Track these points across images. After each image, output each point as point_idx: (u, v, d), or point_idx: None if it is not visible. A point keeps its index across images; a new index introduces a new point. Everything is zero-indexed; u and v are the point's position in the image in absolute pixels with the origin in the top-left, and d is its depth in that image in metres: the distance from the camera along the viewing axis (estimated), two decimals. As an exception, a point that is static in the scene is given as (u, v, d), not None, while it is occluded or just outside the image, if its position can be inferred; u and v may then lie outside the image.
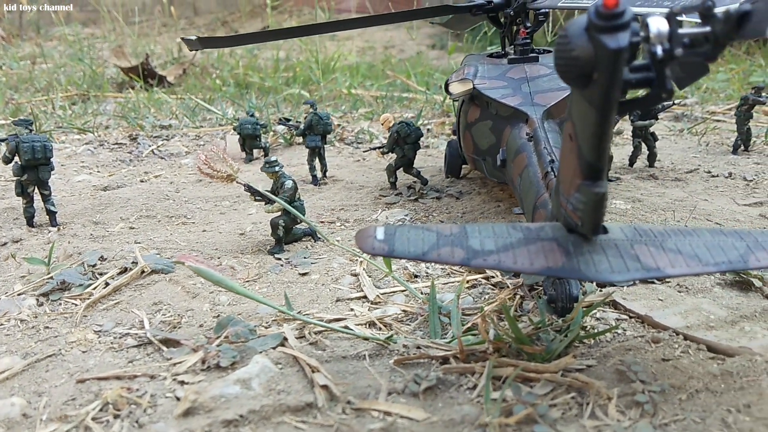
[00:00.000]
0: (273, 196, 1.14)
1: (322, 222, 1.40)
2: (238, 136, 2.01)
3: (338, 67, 3.89)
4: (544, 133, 1.14)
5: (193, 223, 1.40)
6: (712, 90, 3.24)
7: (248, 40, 1.39)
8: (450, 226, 0.73)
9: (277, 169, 1.17)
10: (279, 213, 1.17)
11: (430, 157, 1.99)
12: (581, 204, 0.69)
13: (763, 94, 1.93)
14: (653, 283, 1.01)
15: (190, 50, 1.33)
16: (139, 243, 1.25)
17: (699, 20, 0.61)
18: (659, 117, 1.72)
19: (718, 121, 2.51)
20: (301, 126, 1.71)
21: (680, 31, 0.60)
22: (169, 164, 1.96)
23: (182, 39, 1.33)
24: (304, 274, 1.10)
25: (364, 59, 4.44)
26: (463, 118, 1.44)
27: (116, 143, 2.17)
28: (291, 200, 1.17)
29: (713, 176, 1.68)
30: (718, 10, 0.59)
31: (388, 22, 1.37)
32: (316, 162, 1.74)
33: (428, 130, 2.42)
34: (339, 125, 2.48)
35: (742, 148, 1.98)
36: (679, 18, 0.60)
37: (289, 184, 1.17)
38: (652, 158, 1.78)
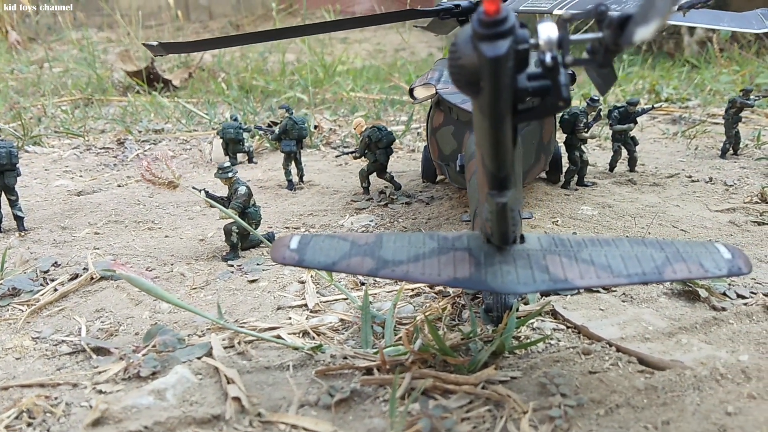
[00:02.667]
0: (217, 204, 1.13)
1: (287, 228, 1.39)
2: (221, 141, 2.01)
3: (343, 71, 3.89)
4: (498, 139, 1.13)
5: (160, 228, 1.41)
6: (716, 92, 3.19)
7: (212, 44, 1.39)
8: (368, 235, 0.73)
9: (230, 174, 1.17)
10: (231, 219, 1.17)
11: (414, 161, 1.98)
12: (489, 214, 0.68)
13: (752, 96, 1.89)
14: (598, 292, 0.99)
15: (155, 56, 1.34)
16: (98, 249, 1.26)
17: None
18: (638, 121, 1.69)
19: (717, 123, 2.47)
20: (276, 131, 1.71)
21: (571, 37, 0.59)
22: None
23: (144, 44, 1.33)
24: (252, 281, 1.10)
25: (375, 61, 4.42)
26: (429, 124, 1.43)
27: (103, 147, 2.18)
28: (245, 206, 1.17)
29: (693, 181, 1.65)
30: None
31: (355, 27, 1.36)
32: (293, 167, 1.73)
33: (418, 133, 2.40)
34: (330, 129, 2.48)
35: (731, 152, 1.94)
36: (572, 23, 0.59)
37: (242, 190, 1.16)
38: (632, 163, 1.74)
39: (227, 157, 2.02)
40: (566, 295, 0.98)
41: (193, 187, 1.23)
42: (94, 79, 3.69)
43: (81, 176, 1.87)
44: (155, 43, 1.28)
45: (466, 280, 0.67)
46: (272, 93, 3.41)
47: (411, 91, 1.38)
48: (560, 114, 1.62)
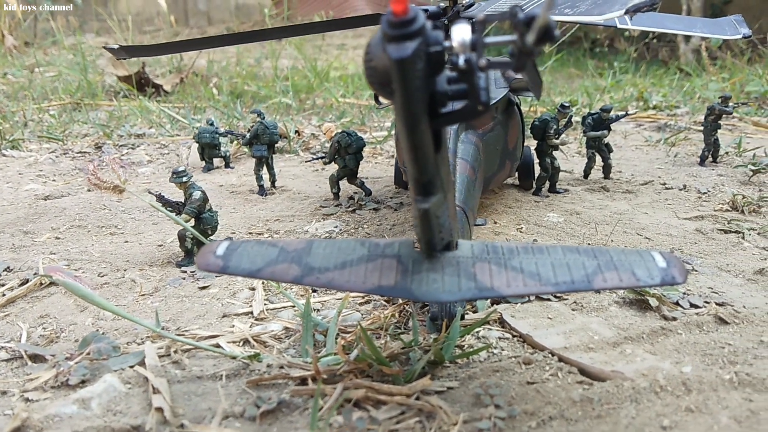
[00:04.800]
0: (163, 209, 1.11)
1: (250, 233, 1.37)
2: (197, 145, 2.00)
3: (336, 76, 3.88)
4: (454, 144, 1.11)
5: (122, 233, 1.39)
6: (705, 100, 3.17)
7: (175, 48, 1.38)
8: (299, 241, 0.71)
9: (185, 179, 1.15)
10: (188, 224, 1.15)
11: (393, 167, 1.96)
12: (414, 219, 0.66)
13: (730, 103, 1.87)
14: (548, 300, 0.97)
15: (118, 59, 1.32)
16: (54, 254, 1.24)
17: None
18: (611, 128, 1.67)
19: (701, 131, 2.45)
20: (247, 135, 1.69)
21: (486, 40, 0.57)
22: (128, 173, 1.95)
23: (105, 48, 1.32)
24: (203, 288, 1.08)
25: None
26: (396, 129, 1.42)
27: (80, 152, 2.17)
28: (200, 211, 1.15)
29: (667, 188, 1.63)
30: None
31: (322, 31, 1.35)
32: (265, 172, 1.72)
33: (399, 139, 2.38)
34: (312, 134, 2.46)
35: (711, 159, 1.92)
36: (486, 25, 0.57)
37: (197, 195, 1.15)
38: (606, 170, 1.73)
39: (203, 162, 2.01)
40: (516, 303, 0.96)
41: (149, 191, 1.22)
42: (85, 83, 3.68)
43: (54, 180, 1.85)
44: (116, 46, 1.27)
45: (390, 288, 0.66)
46: (263, 99, 3.39)
47: (376, 97, 1.36)
48: (531, 120, 1.61)
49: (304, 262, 0.68)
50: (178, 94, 3.55)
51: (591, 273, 0.66)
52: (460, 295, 0.64)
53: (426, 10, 1.44)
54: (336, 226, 1.39)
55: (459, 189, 0.99)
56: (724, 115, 1.87)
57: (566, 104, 1.55)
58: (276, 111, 3.08)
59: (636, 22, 1.41)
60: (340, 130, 1.57)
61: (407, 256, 0.69)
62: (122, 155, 2.15)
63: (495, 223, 1.36)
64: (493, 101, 1.24)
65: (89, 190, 0.97)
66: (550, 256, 0.69)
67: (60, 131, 2.50)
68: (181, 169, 1.15)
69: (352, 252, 0.70)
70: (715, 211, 1.41)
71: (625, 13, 0.83)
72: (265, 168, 1.71)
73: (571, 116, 1.59)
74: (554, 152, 1.57)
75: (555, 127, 1.53)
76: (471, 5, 1.37)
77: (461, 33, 0.56)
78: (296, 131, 2.39)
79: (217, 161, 2.06)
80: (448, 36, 0.56)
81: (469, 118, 0.60)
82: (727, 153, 2.02)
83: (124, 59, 1.30)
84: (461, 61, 0.56)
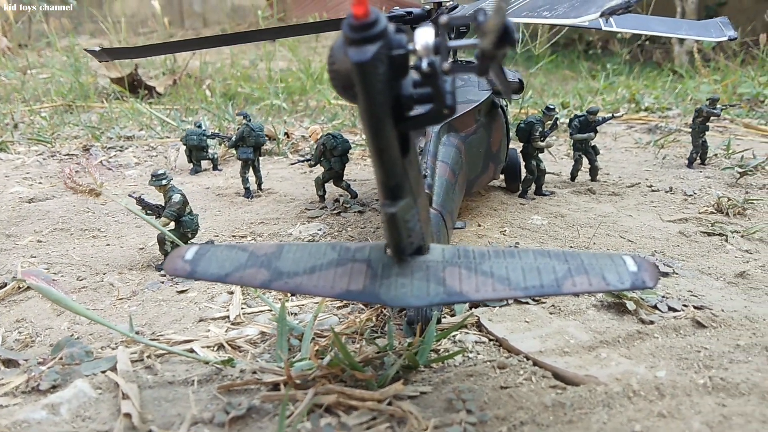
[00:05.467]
0: (139, 213, 1.11)
1: (233, 236, 1.37)
2: (185, 148, 1.99)
3: (329, 78, 3.86)
4: (435, 147, 1.11)
5: (105, 236, 1.38)
6: (697, 101, 3.17)
7: (156, 50, 1.38)
8: (270, 245, 0.70)
9: (164, 182, 1.14)
10: (167, 228, 1.15)
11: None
12: (383, 223, 0.65)
13: (718, 105, 1.87)
14: (527, 303, 0.96)
15: (100, 61, 1.32)
16: (35, 257, 1.23)
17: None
18: (598, 130, 1.67)
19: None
20: (233, 138, 1.69)
21: (449, 43, 0.57)
22: (114, 175, 1.94)
23: (86, 50, 1.32)
24: (181, 292, 1.07)
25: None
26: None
27: (67, 154, 2.16)
28: (179, 214, 1.15)
29: (653, 191, 1.63)
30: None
31: (295, 34, 1.35)
32: (251, 174, 1.71)
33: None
34: (302, 137, 2.46)
35: (699, 161, 1.92)
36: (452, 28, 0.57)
37: (176, 198, 1.14)
38: (593, 172, 1.72)
39: (191, 165, 2.00)
40: (494, 307, 0.95)
41: (130, 194, 1.21)
42: (77, 85, 3.67)
43: (40, 183, 1.85)
44: (98, 49, 1.27)
45: (358, 293, 0.65)
46: (256, 100, 3.39)
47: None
48: (517, 123, 1.61)
49: (273, 267, 0.68)
50: (171, 96, 3.54)
51: (561, 277, 0.65)
52: (428, 300, 0.64)
53: (410, 12, 1.44)
54: (320, 229, 1.38)
55: (437, 192, 0.99)
56: (712, 117, 1.87)
57: (551, 107, 1.54)
58: (268, 113, 3.08)
59: (621, 24, 1.41)
60: (325, 133, 1.56)
61: (377, 260, 0.68)
62: (110, 158, 2.14)
63: (479, 225, 1.35)
64: (476, 104, 1.23)
65: (73, 194, 0.97)
66: (521, 260, 0.68)
67: (50, 133, 2.49)
68: (160, 171, 1.15)
69: (322, 256, 0.69)
70: (699, 213, 1.40)
71: (601, 15, 0.83)
72: (251, 170, 1.71)
73: (557, 119, 1.58)
74: (541, 155, 1.56)
75: (540, 129, 1.53)
76: (455, 7, 1.36)
77: (424, 36, 0.55)
78: (286, 133, 2.39)
79: (205, 163, 2.05)
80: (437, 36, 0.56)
81: (435, 122, 0.60)
82: (716, 155, 2.02)
83: (107, 61, 1.29)
84: (424, 64, 0.56)
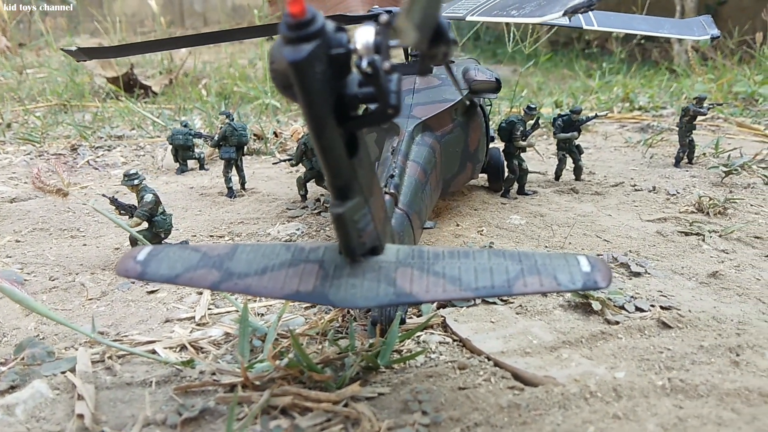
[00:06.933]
0: (105, 213, 1.10)
1: (211, 236, 1.37)
2: (171, 147, 1.99)
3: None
4: (407, 146, 1.10)
5: (83, 236, 1.38)
6: (691, 100, 3.15)
7: (134, 49, 1.37)
8: (224, 246, 0.70)
9: (136, 182, 1.14)
10: (140, 227, 1.14)
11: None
12: (333, 223, 0.65)
13: (705, 104, 1.86)
14: (494, 303, 0.96)
15: (77, 61, 1.32)
16: (10, 257, 1.23)
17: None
18: (582, 130, 1.66)
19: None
20: (216, 137, 1.68)
21: (391, 42, 0.56)
22: (100, 175, 1.94)
23: (62, 50, 1.31)
24: (151, 292, 1.07)
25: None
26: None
27: (55, 154, 2.16)
28: (152, 214, 1.15)
29: (637, 190, 1.62)
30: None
31: (257, 36, 1.34)
32: (234, 174, 1.71)
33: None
34: (291, 136, 2.45)
35: (686, 160, 1.91)
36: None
37: (148, 197, 1.14)
38: (577, 171, 1.72)
39: (177, 164, 2.00)
40: (461, 307, 0.95)
41: (103, 194, 1.21)
42: (70, 85, 3.68)
43: (25, 183, 1.84)
44: (74, 48, 1.27)
45: (308, 294, 0.65)
46: (251, 99, 3.38)
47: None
48: (498, 122, 1.60)
49: (225, 268, 0.67)
50: (167, 96, 3.54)
51: (513, 278, 0.65)
52: (377, 301, 0.63)
53: (390, 11, 1.43)
54: (298, 229, 1.38)
55: (404, 192, 0.99)
56: (699, 117, 1.86)
57: (533, 106, 1.54)
58: (262, 112, 3.07)
59: (603, 23, 1.41)
60: (306, 132, 1.56)
61: (330, 261, 0.68)
62: (97, 157, 2.14)
63: (457, 225, 1.35)
64: (451, 103, 1.23)
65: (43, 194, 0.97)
66: (475, 260, 0.68)
67: (42, 133, 2.49)
68: (132, 171, 1.15)
69: (275, 257, 0.69)
70: (679, 213, 1.40)
71: (564, 14, 0.83)
72: (234, 170, 1.71)
73: (539, 118, 1.58)
74: (523, 154, 1.56)
75: (522, 128, 1.52)
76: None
77: (365, 35, 0.55)
78: (274, 133, 2.39)
79: (192, 163, 2.05)
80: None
81: (381, 122, 0.59)
82: (704, 154, 2.01)
83: (84, 61, 1.29)
84: (364, 63, 0.55)
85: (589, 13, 1.41)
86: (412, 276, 0.66)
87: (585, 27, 1.38)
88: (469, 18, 1.11)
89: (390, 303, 0.64)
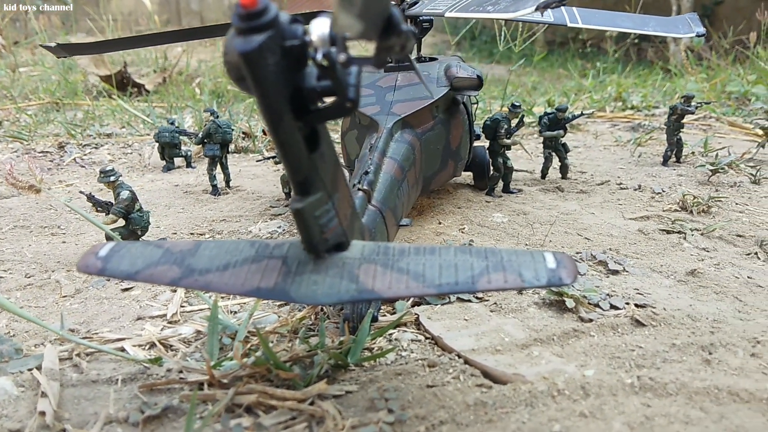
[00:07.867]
0: (79, 210, 1.09)
1: (192, 234, 1.36)
2: (157, 145, 1.98)
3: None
4: (385, 143, 1.10)
5: (64, 233, 1.37)
6: (679, 99, 3.15)
7: (113, 46, 1.37)
8: (187, 242, 0.69)
9: (112, 178, 1.13)
10: (116, 225, 1.14)
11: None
12: (294, 218, 0.64)
13: (693, 103, 1.85)
14: (469, 301, 0.95)
15: (57, 57, 1.31)
16: (-12, 255, 1.23)
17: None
18: (567, 128, 1.65)
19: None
20: (200, 135, 1.67)
21: (346, 35, 0.55)
22: (87, 173, 1.93)
23: (41, 45, 1.31)
24: (126, 290, 1.06)
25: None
26: (341, 128, 1.41)
27: (42, 151, 2.15)
28: (128, 211, 1.14)
29: (622, 188, 1.61)
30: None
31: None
32: (219, 171, 1.70)
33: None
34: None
35: (674, 159, 1.91)
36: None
37: (124, 194, 1.13)
38: (563, 170, 1.71)
39: (164, 162, 1.99)
40: (436, 304, 0.94)
41: (81, 191, 1.20)
42: (63, 83, 3.67)
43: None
44: (53, 44, 1.26)
45: (269, 290, 0.64)
46: (245, 98, 3.37)
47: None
48: (483, 120, 1.59)
49: (186, 264, 0.67)
50: (160, 94, 3.54)
51: (477, 274, 0.64)
52: (338, 298, 0.63)
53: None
54: (279, 226, 1.37)
55: (379, 189, 0.98)
56: (687, 115, 1.86)
57: (517, 104, 1.53)
58: (254, 111, 3.06)
59: (587, 21, 1.40)
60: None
61: (293, 257, 0.67)
62: (84, 155, 2.13)
63: (439, 223, 1.34)
64: (432, 99, 1.22)
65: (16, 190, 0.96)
66: (441, 257, 0.67)
67: (32, 131, 2.48)
68: (108, 168, 1.14)
69: (238, 253, 0.68)
70: (663, 211, 1.39)
71: (536, 9, 0.82)
72: (219, 167, 1.70)
73: (523, 116, 1.57)
74: (509, 152, 1.55)
75: (506, 126, 1.51)
76: (415, 3, 1.35)
77: (320, 27, 0.54)
78: (263, 131, 2.38)
79: (179, 161, 2.04)
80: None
81: (339, 116, 0.58)
82: (693, 153, 2.00)
83: (65, 57, 1.28)
84: (319, 56, 0.54)
85: (574, 10, 1.41)
86: (375, 272, 0.65)
87: (570, 24, 1.37)
88: (448, 15, 1.10)
89: (351, 299, 0.63)
